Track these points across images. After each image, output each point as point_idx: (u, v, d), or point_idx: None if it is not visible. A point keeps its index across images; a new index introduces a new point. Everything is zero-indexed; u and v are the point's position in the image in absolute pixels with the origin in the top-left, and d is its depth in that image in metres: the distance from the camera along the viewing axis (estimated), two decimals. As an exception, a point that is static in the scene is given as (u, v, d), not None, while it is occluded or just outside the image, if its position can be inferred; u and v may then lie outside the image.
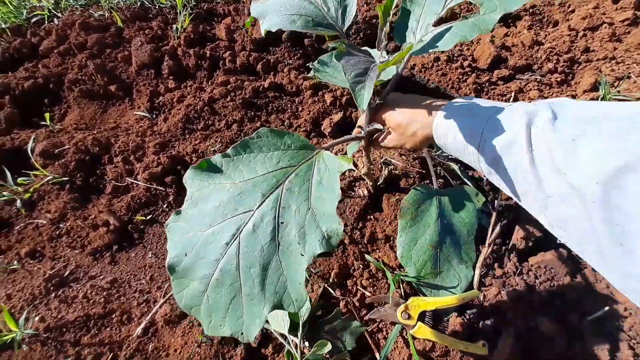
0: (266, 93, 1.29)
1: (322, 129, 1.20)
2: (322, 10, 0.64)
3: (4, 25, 1.69)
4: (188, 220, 0.57)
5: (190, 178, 0.59)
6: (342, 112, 1.23)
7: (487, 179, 1.08)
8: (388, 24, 0.58)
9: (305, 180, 0.61)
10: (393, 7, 0.59)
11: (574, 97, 1.26)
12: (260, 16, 0.66)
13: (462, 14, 1.52)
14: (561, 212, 0.44)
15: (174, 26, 1.55)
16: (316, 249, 0.55)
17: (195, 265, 0.56)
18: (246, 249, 0.55)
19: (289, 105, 1.27)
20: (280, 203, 0.58)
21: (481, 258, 0.90)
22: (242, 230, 0.56)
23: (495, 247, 0.94)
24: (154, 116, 1.30)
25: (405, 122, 0.70)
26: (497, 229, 0.94)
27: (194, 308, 0.56)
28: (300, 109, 1.26)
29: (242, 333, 0.54)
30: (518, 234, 0.95)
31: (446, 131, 0.61)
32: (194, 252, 0.56)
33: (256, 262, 0.55)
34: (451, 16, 1.49)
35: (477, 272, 0.89)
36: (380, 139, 0.79)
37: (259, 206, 0.58)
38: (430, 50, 0.57)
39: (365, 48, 0.66)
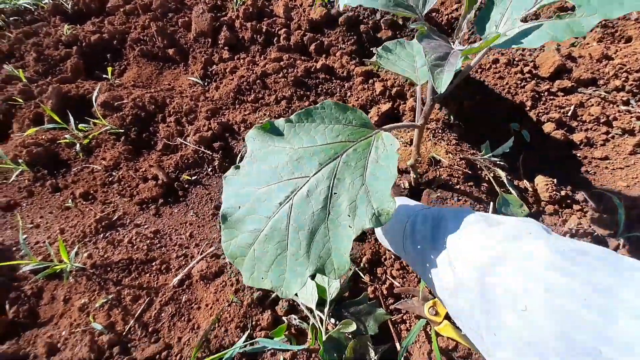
0: (317, 74, 1.30)
1: (369, 116, 1.19)
2: (405, -9, 0.63)
3: (76, -20, 1.77)
4: (245, 175, 0.60)
5: (252, 137, 0.61)
6: (390, 103, 1.21)
7: (532, 191, 1.04)
8: (473, 11, 0.57)
9: (362, 157, 0.61)
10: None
11: (639, 119, 1.19)
12: (341, -10, 0.66)
13: (553, 14, 1.45)
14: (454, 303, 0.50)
15: (234, -2, 1.57)
16: (365, 223, 0.56)
17: (246, 218, 0.58)
18: (298, 211, 0.57)
19: (338, 89, 1.27)
20: (335, 174, 0.59)
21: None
22: (296, 193, 0.58)
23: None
24: (206, 83, 1.34)
25: None
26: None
27: (239, 258, 0.58)
28: (349, 94, 1.26)
29: (281, 288, 0.56)
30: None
31: None
32: (247, 205, 0.58)
33: (305, 225, 0.56)
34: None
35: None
36: None
37: (314, 174, 0.59)
38: (514, 46, 0.56)
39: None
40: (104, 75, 1.31)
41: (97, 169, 1.04)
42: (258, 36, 1.45)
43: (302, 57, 1.40)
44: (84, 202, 1.00)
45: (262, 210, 0.57)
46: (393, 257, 0.90)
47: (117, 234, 0.92)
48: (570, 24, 0.53)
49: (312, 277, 0.84)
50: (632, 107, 1.23)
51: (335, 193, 0.58)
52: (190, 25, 1.50)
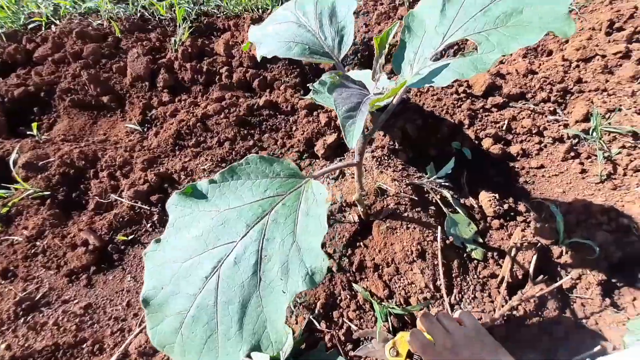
0: (261, 111, 1.28)
1: (315, 150, 1.19)
2: (319, 39, 0.63)
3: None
4: (168, 249, 0.55)
5: (173, 204, 0.57)
6: (336, 134, 1.21)
7: (478, 207, 1.06)
8: (383, 56, 0.57)
9: (292, 210, 0.59)
10: (392, 38, 0.58)
11: (566, 126, 1.27)
12: (258, 42, 0.65)
13: (459, 51, 1.54)
14: None
15: (173, 39, 1.54)
16: (298, 286, 0.52)
17: (171, 299, 0.52)
18: (226, 283, 0.52)
19: (283, 125, 1.26)
20: (264, 234, 0.56)
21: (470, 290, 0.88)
22: (223, 262, 0.53)
23: (485, 279, 0.91)
24: (145, 129, 1.27)
25: None
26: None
27: (168, 346, 0.52)
28: (294, 128, 1.25)
29: None
30: (507, 267, 0.93)
31: None
32: (171, 284, 0.53)
33: (235, 298, 0.51)
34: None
35: (470, 306, 0.86)
36: None
37: (242, 237, 0.55)
38: (426, 85, 0.57)
39: (359, 79, 0.65)
40: (29, 132, 1.21)
41: (17, 240, 0.94)
42: (199, 76, 1.42)
43: (246, 94, 1.38)
44: (2, 282, 0.89)
45: (187, 287, 0.52)
46: (349, 297, 0.87)
47: (41, 315, 0.82)
48: (473, 61, 0.54)
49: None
50: (559, 116, 1.31)
51: (265, 256, 0.54)
52: (125, 70, 1.44)
